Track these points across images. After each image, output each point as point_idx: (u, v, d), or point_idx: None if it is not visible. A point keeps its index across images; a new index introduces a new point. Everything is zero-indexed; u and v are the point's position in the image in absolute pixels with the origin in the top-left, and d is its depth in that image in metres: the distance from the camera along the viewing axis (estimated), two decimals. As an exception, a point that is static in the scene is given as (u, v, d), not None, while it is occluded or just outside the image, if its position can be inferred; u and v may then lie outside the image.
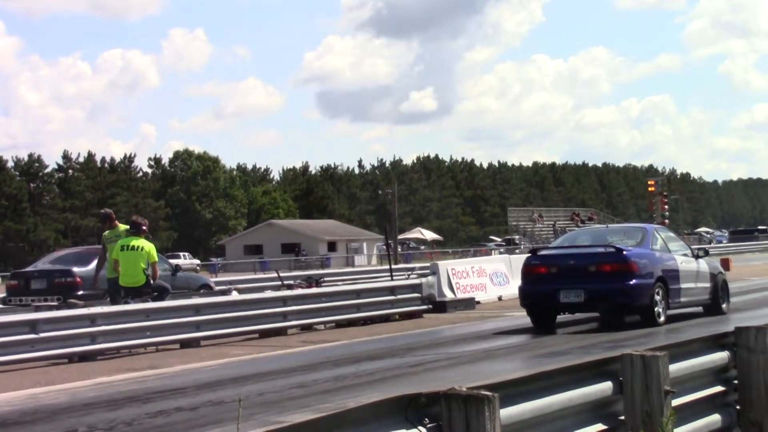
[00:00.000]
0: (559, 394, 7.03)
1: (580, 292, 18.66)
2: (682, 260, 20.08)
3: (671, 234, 22.06)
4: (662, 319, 18.77)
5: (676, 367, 8.31)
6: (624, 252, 18.82)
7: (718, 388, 9.38)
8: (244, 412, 10.36)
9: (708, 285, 20.71)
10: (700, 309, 20.80)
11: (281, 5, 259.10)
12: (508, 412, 6.35)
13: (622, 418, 7.72)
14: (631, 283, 18.46)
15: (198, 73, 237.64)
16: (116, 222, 20.55)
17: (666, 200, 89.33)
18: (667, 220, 77.35)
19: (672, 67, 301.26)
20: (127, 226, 20.21)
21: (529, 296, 19.58)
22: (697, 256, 20.82)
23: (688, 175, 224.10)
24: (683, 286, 19.74)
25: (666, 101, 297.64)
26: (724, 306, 21.01)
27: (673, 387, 7.86)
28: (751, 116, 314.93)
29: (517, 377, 6.76)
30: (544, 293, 19.07)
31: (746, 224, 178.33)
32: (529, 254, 20.68)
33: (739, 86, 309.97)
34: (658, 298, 18.77)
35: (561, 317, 19.87)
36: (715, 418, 9.19)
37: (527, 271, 19.68)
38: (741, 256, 67.56)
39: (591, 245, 19.95)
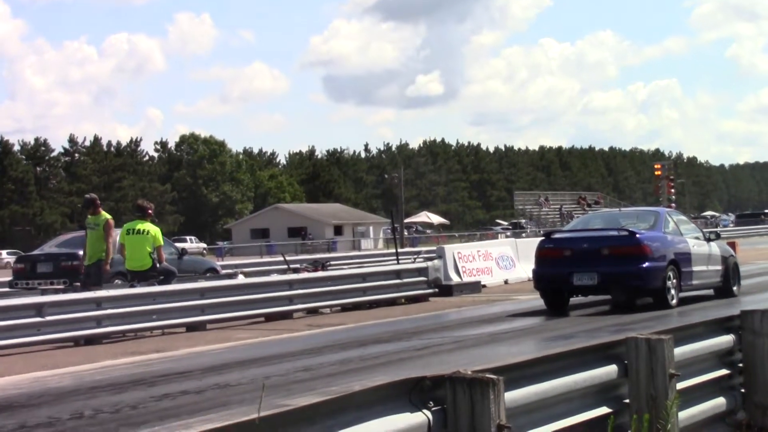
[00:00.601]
0: (564, 378, 7.04)
1: (593, 274, 18.74)
2: (694, 243, 20.17)
3: (683, 217, 22.12)
4: (674, 301, 18.86)
5: (681, 351, 8.31)
6: (637, 235, 18.89)
7: (724, 372, 9.39)
8: (247, 396, 10.38)
9: (719, 268, 20.81)
10: (711, 292, 20.88)
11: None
12: (513, 396, 6.35)
13: (627, 401, 7.73)
14: (644, 266, 18.54)
15: (204, 57, 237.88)
16: (100, 209, 20.04)
17: (672, 184, 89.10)
18: (673, 204, 77.10)
19: (679, 50, 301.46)
20: (109, 216, 19.94)
21: (542, 279, 19.65)
22: (708, 239, 20.92)
23: (694, 158, 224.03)
24: (695, 269, 19.83)
25: (673, 85, 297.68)
26: (735, 289, 21.11)
27: (678, 370, 7.86)
28: (757, 100, 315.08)
29: (522, 360, 6.77)
30: (558, 276, 19.16)
31: (753, 208, 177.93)
32: (543, 237, 20.75)
33: (746, 70, 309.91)
34: (670, 281, 18.86)
35: (573, 300, 19.94)
36: (720, 401, 9.19)
37: (541, 254, 19.75)
38: (747, 239, 67.44)
39: (604, 228, 20.05)
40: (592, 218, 23.86)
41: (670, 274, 18.90)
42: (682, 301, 19.20)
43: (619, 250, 18.76)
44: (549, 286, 19.63)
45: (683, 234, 20.15)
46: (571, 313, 19.11)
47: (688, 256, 19.68)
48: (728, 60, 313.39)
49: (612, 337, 8.89)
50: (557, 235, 20.73)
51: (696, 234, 20.88)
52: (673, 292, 18.90)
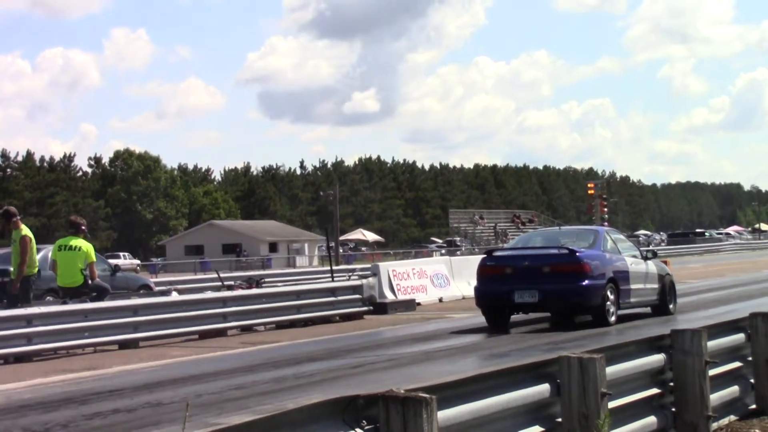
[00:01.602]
0: (497, 396, 7.06)
1: (534, 292, 18.93)
2: (632, 262, 20.47)
3: (621, 236, 22.50)
4: (613, 319, 19.12)
5: (612, 370, 8.37)
6: (577, 253, 19.12)
7: (655, 390, 9.47)
8: (180, 414, 10.29)
9: (656, 286, 21.11)
10: (648, 309, 21.18)
11: (223, 5, 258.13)
12: (446, 414, 6.36)
13: (560, 420, 7.77)
14: (584, 283, 18.76)
15: (140, 72, 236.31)
16: (18, 223, 19.14)
17: (605, 203, 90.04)
18: (606, 223, 77.86)
19: (612, 70, 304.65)
20: (27, 231, 19.14)
21: (484, 296, 19.81)
22: (645, 258, 21.26)
23: (627, 177, 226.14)
24: (633, 287, 20.11)
25: (606, 104, 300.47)
26: (671, 306, 21.44)
27: (609, 389, 7.92)
28: (689, 120, 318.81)
29: (455, 379, 6.78)
30: (499, 293, 19.34)
31: (684, 227, 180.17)
32: (485, 255, 20.88)
33: (678, 91, 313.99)
34: (609, 298, 19.13)
35: (514, 317, 20.15)
36: (651, 420, 9.27)
37: (482, 271, 19.92)
38: (679, 258, 68.14)
39: (545, 247, 20.31)
40: (533, 236, 24.15)
41: (609, 291, 19.17)
42: (621, 319, 19.44)
43: (559, 268, 18.98)
44: (490, 304, 19.80)
45: (621, 252, 20.44)
46: (511, 331, 19.27)
47: (627, 274, 19.95)
48: (660, 81, 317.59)
49: (545, 355, 8.94)
50: (498, 253, 20.97)
51: (634, 252, 21.22)
52: (612, 309, 19.16)
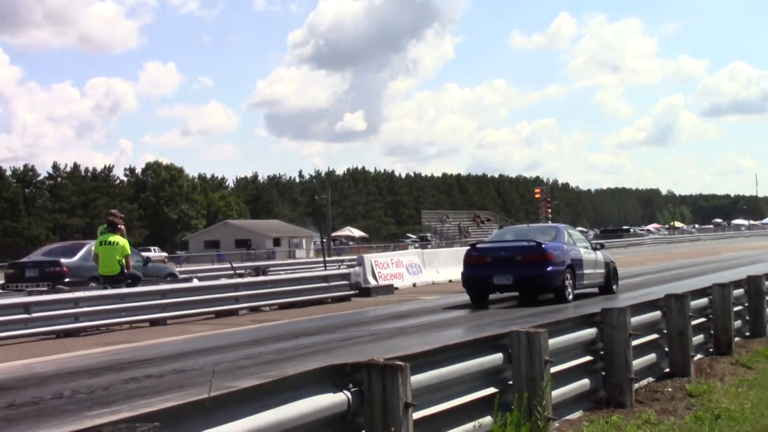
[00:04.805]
0: (459, 364, 7.10)
1: (509, 276, 19.42)
2: (585, 252, 20.95)
3: (576, 232, 22.89)
4: (570, 297, 19.58)
5: (554, 341, 8.42)
6: (543, 245, 19.57)
7: (588, 358, 9.53)
8: (201, 379, 10.31)
9: (603, 271, 21.68)
10: (596, 290, 21.62)
11: (239, 43, 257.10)
12: (418, 379, 6.40)
13: (511, 382, 7.81)
14: (549, 269, 19.28)
15: (169, 98, 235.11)
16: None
17: (549, 205, 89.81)
18: (550, 222, 77.76)
19: (557, 95, 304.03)
20: (105, 225, 20.00)
21: (469, 280, 20.20)
22: (595, 249, 21.82)
23: (567, 184, 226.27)
24: (586, 271, 20.62)
25: (552, 124, 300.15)
26: (614, 287, 22.02)
27: (552, 357, 7.97)
28: (619, 137, 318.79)
29: (425, 350, 6.82)
30: (482, 277, 19.74)
31: (613, 225, 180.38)
32: (470, 247, 21.31)
33: (610, 112, 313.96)
34: (568, 281, 19.58)
35: (492, 296, 20.49)
36: (585, 382, 9.32)
37: (468, 260, 20.27)
38: (609, 250, 68.25)
39: (517, 240, 20.66)
40: (507, 232, 24.49)
41: (568, 275, 19.65)
42: (576, 297, 19.80)
43: (529, 257, 19.42)
44: (474, 286, 20.20)
45: (576, 244, 20.92)
46: (492, 307, 19.49)
47: (581, 261, 20.43)
48: (596, 104, 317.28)
49: (500, 330, 8.99)
50: (480, 246, 21.28)
51: (586, 245, 21.73)
52: (569, 290, 19.65)
